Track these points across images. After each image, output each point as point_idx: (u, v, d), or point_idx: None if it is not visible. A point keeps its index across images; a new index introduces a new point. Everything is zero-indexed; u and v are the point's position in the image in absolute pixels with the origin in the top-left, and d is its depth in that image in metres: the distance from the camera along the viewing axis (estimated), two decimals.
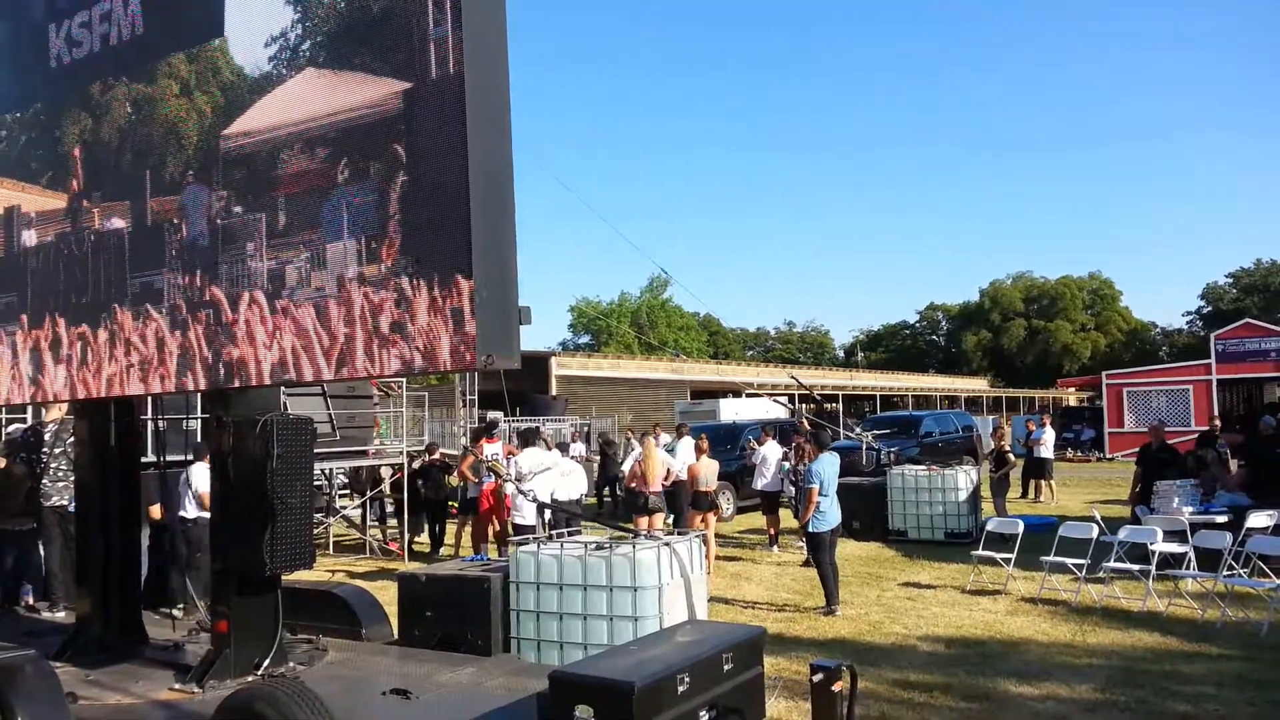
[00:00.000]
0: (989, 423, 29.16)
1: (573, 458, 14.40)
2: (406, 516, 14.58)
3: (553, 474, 10.64)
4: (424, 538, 15.13)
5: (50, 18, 6.09)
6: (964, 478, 14.08)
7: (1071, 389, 56.97)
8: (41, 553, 8.70)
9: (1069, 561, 9.64)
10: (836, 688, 4.14)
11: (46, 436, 8.72)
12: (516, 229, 4.45)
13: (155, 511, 8.89)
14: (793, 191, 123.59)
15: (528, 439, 11.48)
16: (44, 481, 8.63)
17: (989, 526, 11.01)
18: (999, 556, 10.33)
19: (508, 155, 4.45)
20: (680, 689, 3.97)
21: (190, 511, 9.48)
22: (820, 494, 9.49)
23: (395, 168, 4.48)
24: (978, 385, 65.75)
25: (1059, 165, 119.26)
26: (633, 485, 11.84)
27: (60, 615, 7.97)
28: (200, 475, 9.25)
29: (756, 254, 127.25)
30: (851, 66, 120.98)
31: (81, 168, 6.00)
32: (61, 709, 4.99)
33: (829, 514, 9.60)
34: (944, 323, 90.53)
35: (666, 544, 6.67)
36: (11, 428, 9.48)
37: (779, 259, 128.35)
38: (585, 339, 70.61)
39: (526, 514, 10.49)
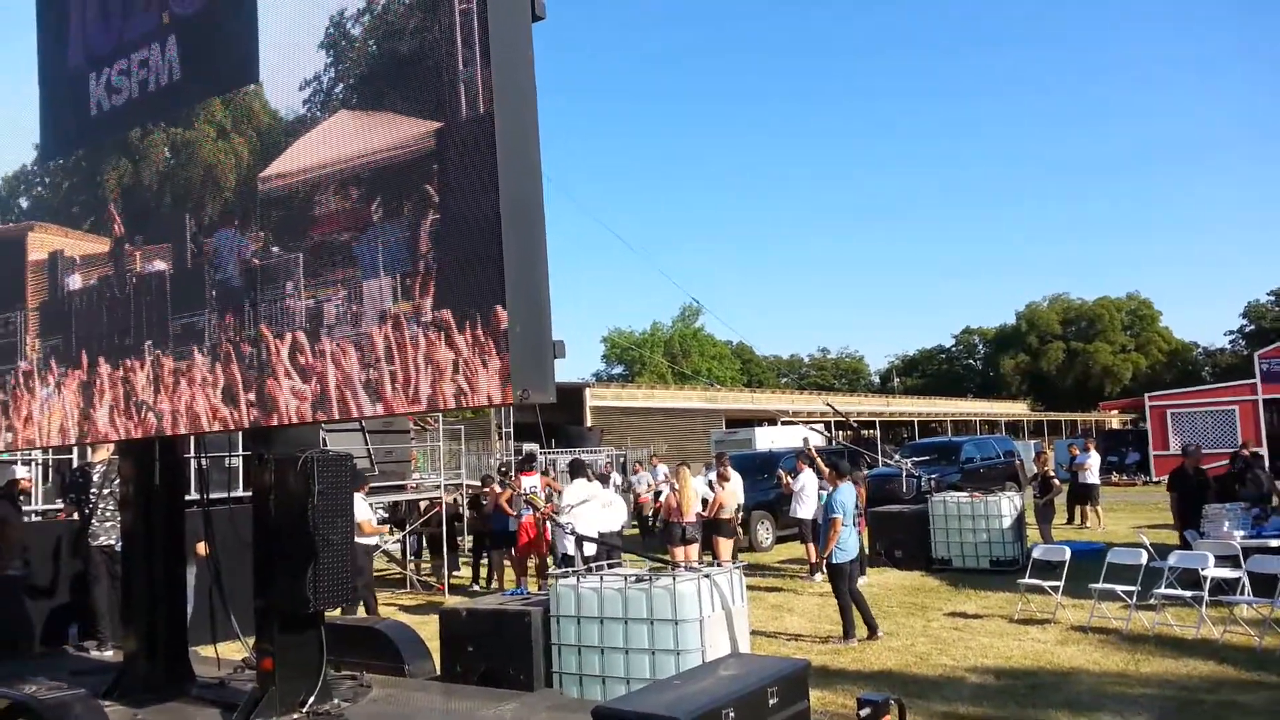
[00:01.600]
0: (1030, 447, 28.75)
1: (613, 488, 14.43)
2: (446, 550, 14.61)
3: (594, 505, 10.62)
4: (462, 571, 15.14)
5: (90, 66, 6.25)
6: (1008, 504, 13.84)
7: (1114, 412, 56.05)
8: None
9: (1119, 588, 9.43)
10: None
11: (95, 477, 8.85)
12: (549, 263, 4.49)
13: (202, 549, 8.99)
14: (823, 217, 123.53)
15: (575, 471, 11.48)
16: (92, 522, 8.75)
17: (1035, 554, 10.80)
18: (1046, 584, 10.12)
19: (538, 190, 4.49)
20: None
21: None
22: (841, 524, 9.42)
23: (427, 206, 4.53)
24: (1017, 409, 64.91)
25: (1094, 185, 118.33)
26: (668, 517, 11.81)
27: (108, 654, 8.05)
28: (359, 506, 9.86)
29: (788, 281, 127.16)
30: (883, 92, 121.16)
31: (122, 212, 6.12)
32: None
33: (849, 544, 9.53)
34: (980, 346, 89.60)
35: (706, 576, 6.61)
36: (14, 465, 9.65)
37: (811, 286, 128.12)
38: (618, 370, 70.72)
39: (571, 544, 10.49)
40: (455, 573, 14.92)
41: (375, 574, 15.48)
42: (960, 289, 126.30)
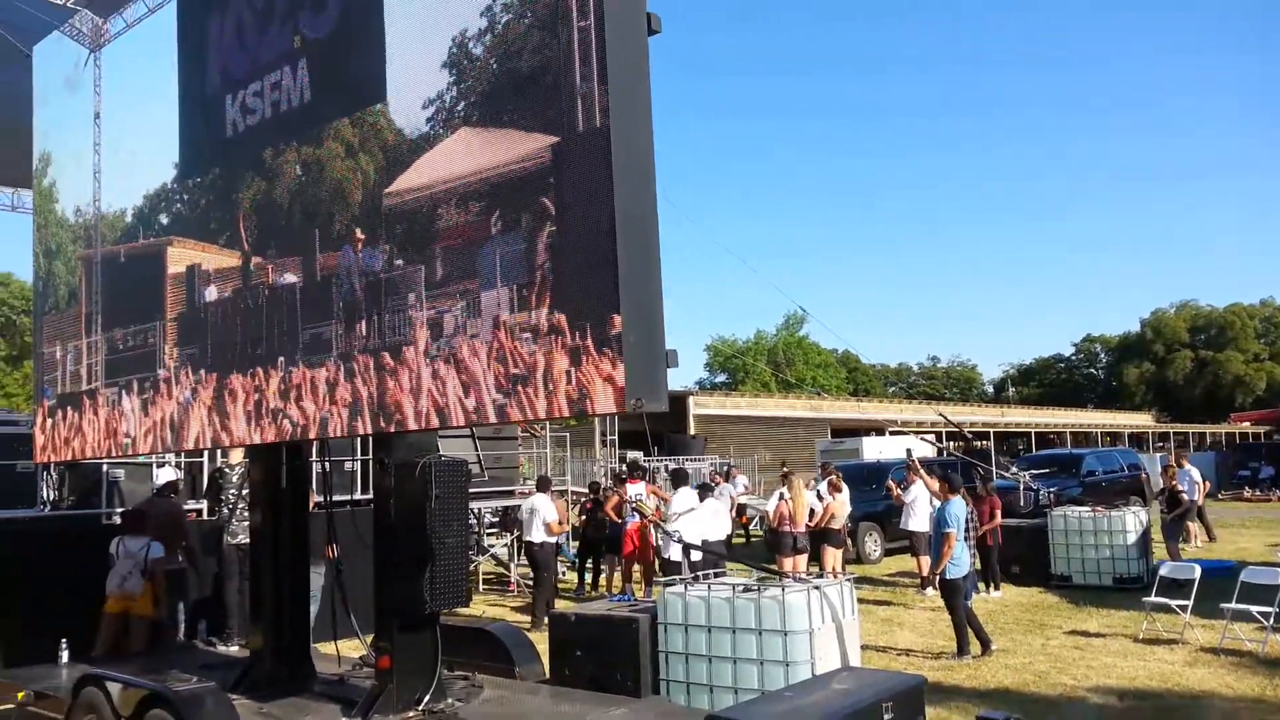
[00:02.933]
0: (1156, 460, 27.45)
1: (717, 497, 14.40)
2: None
3: (702, 513, 10.65)
4: (566, 577, 15.30)
5: (227, 88, 6.60)
6: (1133, 519, 13.25)
7: (1246, 423, 53.03)
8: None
9: (1254, 609, 8.93)
10: None
11: (234, 478, 9.30)
12: (662, 274, 4.53)
13: (330, 551, 9.38)
14: (934, 223, 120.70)
15: (678, 480, 11.60)
16: (231, 521, 9.19)
17: (1162, 571, 10.31)
18: (1174, 603, 9.65)
19: (652, 202, 4.55)
20: None
21: (537, 537, 11.14)
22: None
23: (544, 218, 4.63)
24: (1141, 420, 62.09)
25: (1223, 188, 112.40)
26: (779, 526, 11.73)
27: (234, 649, 8.43)
28: (545, 504, 11.27)
29: (897, 288, 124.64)
30: (999, 99, 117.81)
31: (256, 227, 6.43)
32: None
33: (962, 559, 9.29)
34: (1102, 355, 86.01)
35: (816, 587, 6.55)
36: (162, 468, 10.16)
37: (921, 293, 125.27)
38: (722, 378, 70.42)
39: (675, 551, 10.56)
40: (559, 578, 15.08)
41: (484, 577, 15.84)
42: (1081, 296, 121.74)
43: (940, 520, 9.48)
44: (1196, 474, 16.55)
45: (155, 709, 5.50)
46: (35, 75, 8.73)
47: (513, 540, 16.21)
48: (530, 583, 15.22)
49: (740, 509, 19.77)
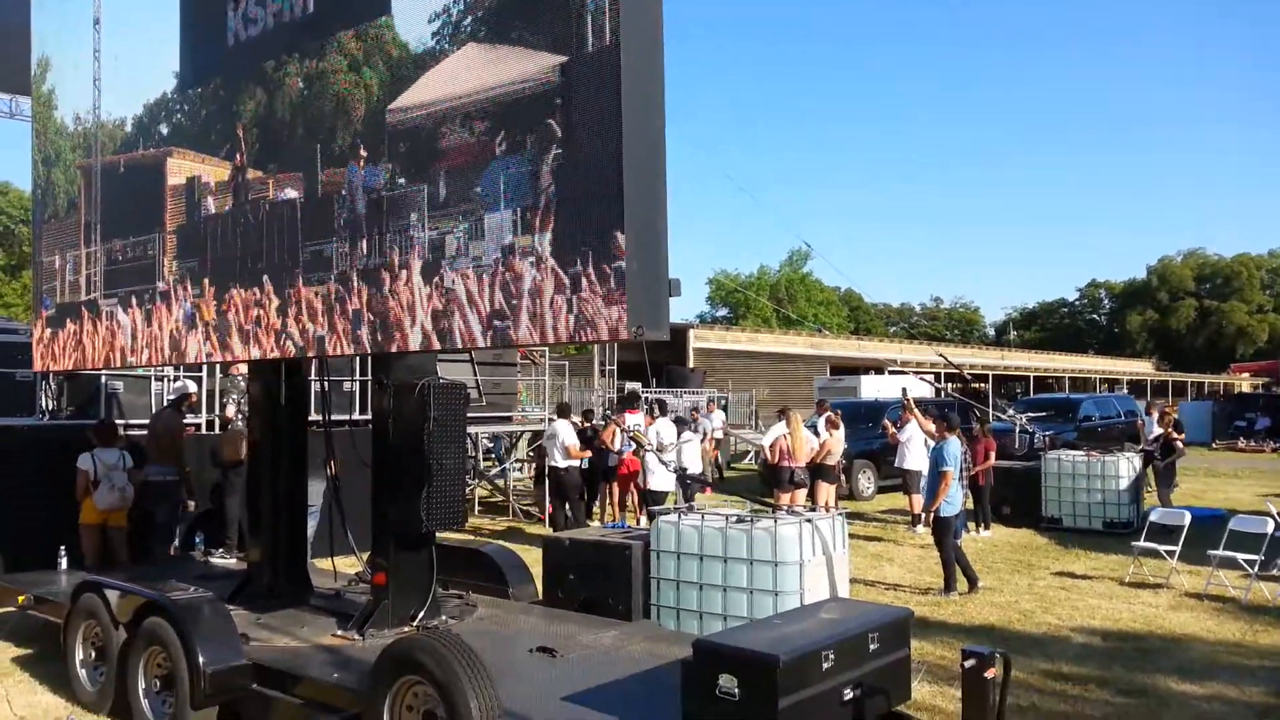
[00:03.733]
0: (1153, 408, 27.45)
1: (716, 429, 14.68)
2: (548, 483, 14.94)
3: (695, 444, 10.76)
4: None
5: None
6: (1126, 465, 13.36)
7: (1245, 374, 53.08)
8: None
9: (1240, 556, 9.05)
10: (989, 675, 4.01)
11: (234, 393, 9.33)
12: (667, 202, 4.46)
13: (331, 466, 9.45)
14: (942, 163, 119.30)
15: (659, 411, 11.88)
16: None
17: (1152, 517, 10.43)
18: (1162, 549, 9.77)
19: (660, 128, 4.45)
20: (825, 665, 3.93)
21: (560, 461, 11.46)
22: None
23: (550, 140, 4.55)
24: (1141, 368, 62.13)
25: (1233, 136, 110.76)
26: (778, 461, 11.83)
27: (231, 562, 8.55)
28: (565, 430, 11.66)
29: (902, 227, 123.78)
30: (1006, 37, 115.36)
31: (257, 141, 6.31)
32: (235, 647, 5.39)
33: (956, 498, 9.40)
34: (1106, 301, 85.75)
35: (809, 520, 6.61)
36: (178, 383, 10.17)
37: (926, 233, 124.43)
38: (723, 312, 70.30)
39: (656, 480, 10.76)
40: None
41: (481, 501, 16.01)
42: (1087, 241, 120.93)
43: (938, 459, 9.54)
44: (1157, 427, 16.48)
45: (153, 616, 5.58)
46: None
47: (506, 466, 16.38)
48: (526, 508, 15.45)
49: (716, 443, 19.99)
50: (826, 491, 12.75)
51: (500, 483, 16.68)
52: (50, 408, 10.01)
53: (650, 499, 10.97)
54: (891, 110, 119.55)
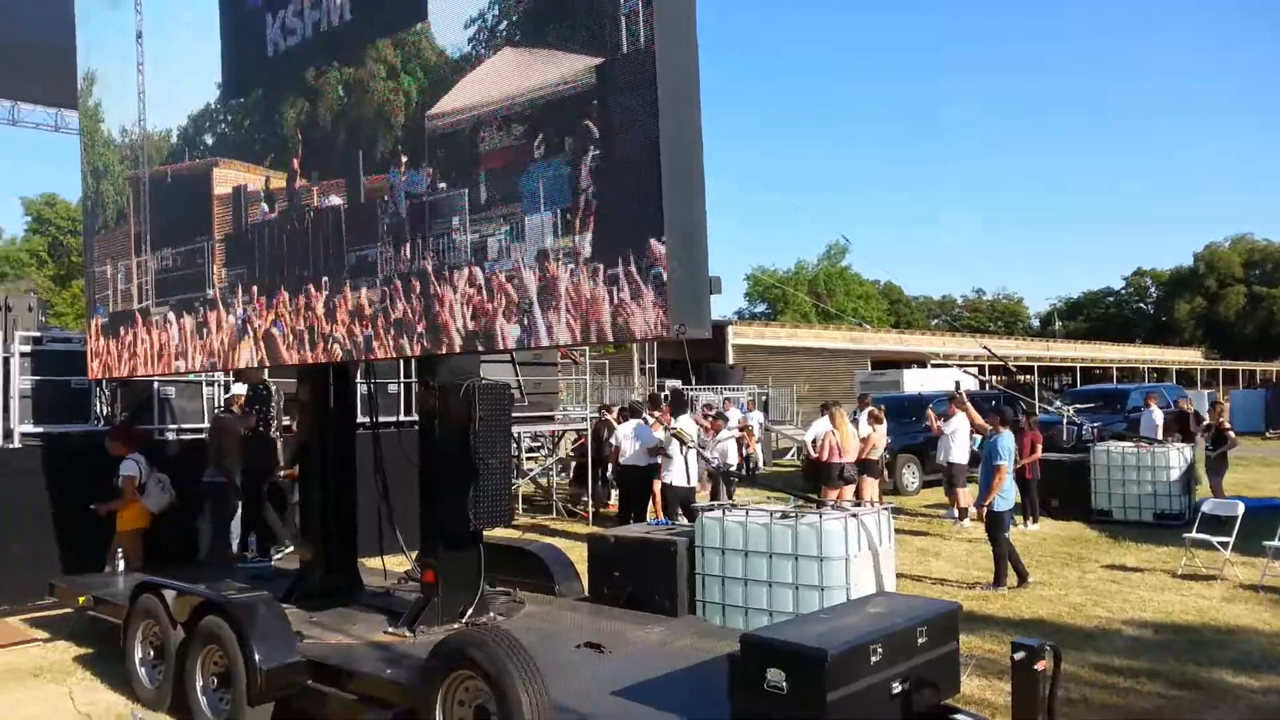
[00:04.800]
0: (1204, 397, 27.01)
1: (758, 424, 14.70)
2: (591, 480, 15.01)
3: (733, 442, 10.76)
4: (614, 500, 15.48)
5: (267, 7, 6.53)
6: (1176, 455, 13.13)
7: None
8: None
9: None
10: (1039, 667, 3.98)
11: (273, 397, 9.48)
12: (706, 200, 4.48)
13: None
14: (981, 151, 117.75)
15: (678, 407, 11.94)
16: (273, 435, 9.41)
17: (1204, 508, 10.24)
18: (1215, 540, 9.59)
19: (697, 126, 4.47)
20: (873, 659, 3.93)
21: (642, 460, 11.41)
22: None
23: (588, 142, 4.58)
24: (1190, 357, 60.92)
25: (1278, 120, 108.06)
26: (828, 457, 11.79)
27: (281, 563, 8.68)
28: (644, 429, 11.76)
29: (942, 219, 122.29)
30: (1047, 26, 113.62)
31: (300, 149, 6.42)
32: (291, 645, 5.50)
33: (1010, 492, 9.35)
34: (1153, 290, 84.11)
35: (853, 515, 6.59)
36: (238, 387, 10.34)
37: (967, 224, 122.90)
38: (761, 308, 69.98)
39: (676, 475, 10.76)
40: (610, 503, 15.27)
41: (524, 499, 16.13)
42: (1132, 229, 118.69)
43: (991, 453, 9.47)
44: (1159, 416, 16.12)
45: (210, 616, 5.71)
46: None
47: (549, 465, 16.46)
48: (569, 506, 15.55)
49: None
50: (871, 487, 12.70)
51: (544, 481, 16.80)
52: (105, 414, 10.24)
53: (670, 495, 11.00)
54: (927, 100, 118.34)
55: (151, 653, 6.37)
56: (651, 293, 4.24)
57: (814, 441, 12.45)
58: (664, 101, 4.25)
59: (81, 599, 7.52)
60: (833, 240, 69.64)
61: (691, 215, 4.36)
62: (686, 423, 11.30)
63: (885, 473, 14.74)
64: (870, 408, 14.04)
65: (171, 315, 7.46)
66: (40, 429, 9.50)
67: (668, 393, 17.55)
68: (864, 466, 12.54)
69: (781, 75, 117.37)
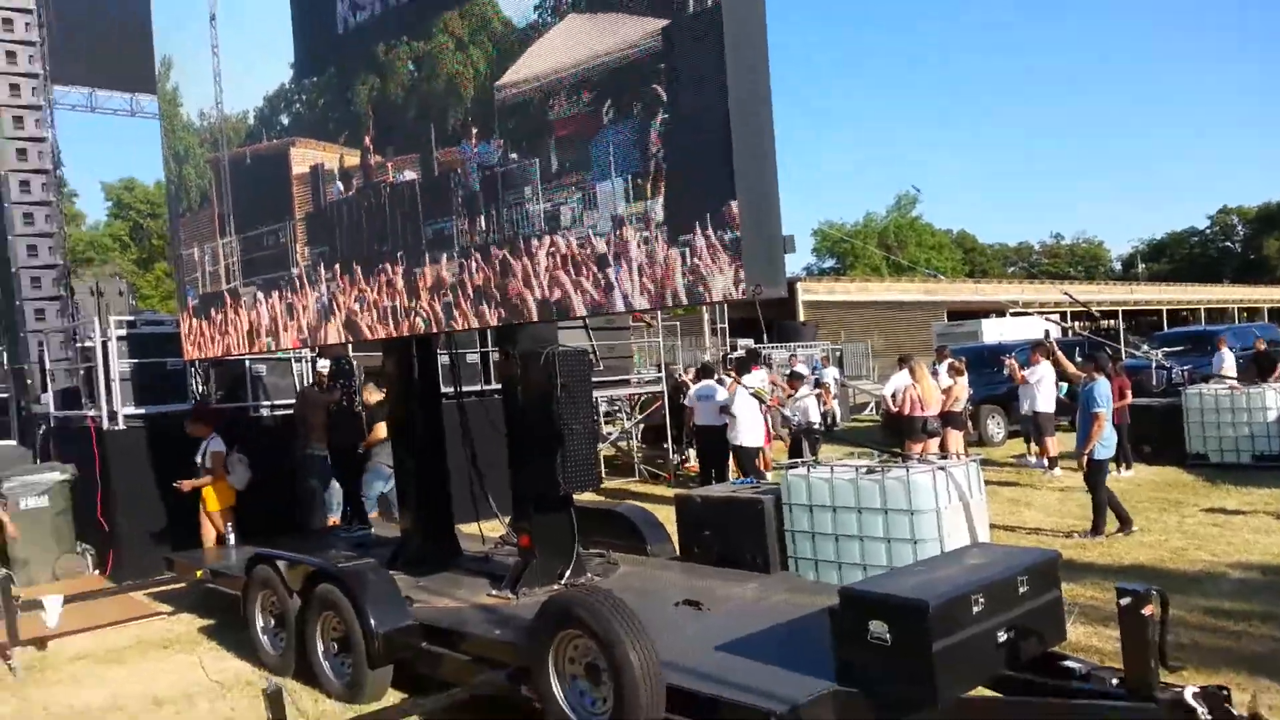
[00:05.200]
0: None
1: (834, 380, 14.56)
2: (671, 441, 15.07)
3: (813, 398, 10.67)
4: (693, 462, 15.51)
5: None
6: (1273, 396, 12.63)
7: None
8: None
9: None
10: (1146, 612, 3.89)
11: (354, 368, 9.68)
12: (777, 156, 4.41)
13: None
14: (1054, 90, 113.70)
15: (743, 365, 11.88)
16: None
17: None
18: None
19: (765, 82, 4.41)
20: (975, 609, 3.89)
21: (717, 420, 11.35)
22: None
23: (656, 105, 4.56)
24: None
25: None
26: (911, 411, 11.63)
27: (377, 531, 8.89)
28: (711, 390, 11.65)
29: (1016, 163, 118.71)
30: None
31: (374, 125, 6.49)
32: (402, 609, 5.66)
33: (1111, 439, 9.13)
34: (1240, 227, 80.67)
35: (942, 468, 6.50)
36: (322, 363, 10.58)
37: (1042, 167, 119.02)
38: (830, 262, 69.00)
39: (742, 435, 10.67)
40: (689, 464, 15.29)
41: (604, 461, 16.23)
42: (1217, 166, 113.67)
43: (1088, 400, 9.23)
44: (1229, 358, 15.15)
45: (323, 583, 5.89)
46: None
47: (632, 426, 16.55)
48: (649, 468, 15.65)
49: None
50: (956, 439, 12.49)
51: (622, 444, 16.91)
52: (200, 393, 10.59)
53: (741, 455, 10.94)
54: (997, 42, 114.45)
55: (272, 621, 6.57)
56: (725, 254, 4.23)
57: (894, 395, 12.28)
58: (731, 60, 4.21)
59: (199, 573, 7.83)
60: (902, 191, 68.24)
61: (763, 174, 4.31)
62: (755, 380, 11.21)
63: (969, 425, 14.48)
64: (950, 359, 13.78)
65: (260, 295, 7.65)
66: (141, 410, 9.79)
67: (741, 351, 17.49)
68: (947, 419, 12.32)
69: (847, 20, 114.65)
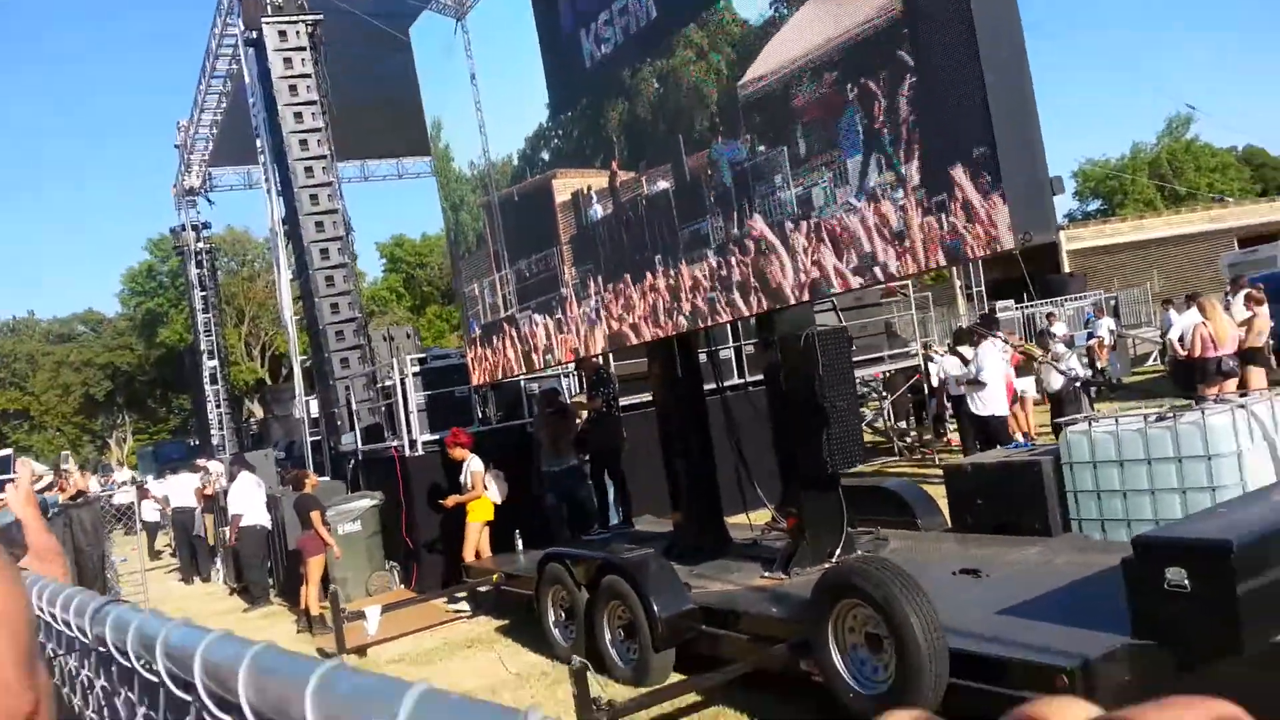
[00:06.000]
0: None
1: (1109, 331, 13.73)
2: (929, 418, 14.70)
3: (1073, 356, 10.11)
4: (955, 435, 15.10)
5: (579, 24, 7.17)
6: None
7: None
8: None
9: None
10: None
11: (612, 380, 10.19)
12: (1035, 95, 4.31)
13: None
14: None
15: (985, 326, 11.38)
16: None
17: None
18: None
19: (1017, 24, 4.31)
20: None
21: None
22: None
23: (903, 71, 4.61)
24: None
25: None
26: (1203, 353, 10.73)
27: (649, 528, 9.31)
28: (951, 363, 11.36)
29: None
30: None
31: (626, 144, 6.97)
32: (683, 595, 6.02)
33: None
34: None
35: (1242, 405, 6.05)
36: (548, 383, 11.17)
37: None
38: (1095, 204, 63.74)
39: (985, 404, 10.24)
40: (949, 437, 14.90)
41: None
42: None
43: None
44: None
45: (609, 576, 6.36)
46: (415, 53, 9.85)
47: (885, 406, 16.30)
48: (911, 446, 15.34)
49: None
50: (1258, 376, 11.32)
51: (879, 424, 16.66)
52: (483, 415, 11.57)
53: (979, 425, 10.43)
54: None
55: (563, 615, 7.11)
56: (989, 205, 4.20)
57: (1181, 338, 11.32)
58: (978, 9, 4.17)
59: (495, 576, 8.62)
60: (1173, 113, 61.78)
61: (1023, 115, 4.24)
62: (994, 354, 10.67)
63: (1273, 360, 13.08)
64: (1247, 289, 12.48)
65: (535, 316, 8.36)
66: (435, 436, 10.73)
67: (975, 320, 16.74)
68: (1246, 357, 11.17)
69: None
